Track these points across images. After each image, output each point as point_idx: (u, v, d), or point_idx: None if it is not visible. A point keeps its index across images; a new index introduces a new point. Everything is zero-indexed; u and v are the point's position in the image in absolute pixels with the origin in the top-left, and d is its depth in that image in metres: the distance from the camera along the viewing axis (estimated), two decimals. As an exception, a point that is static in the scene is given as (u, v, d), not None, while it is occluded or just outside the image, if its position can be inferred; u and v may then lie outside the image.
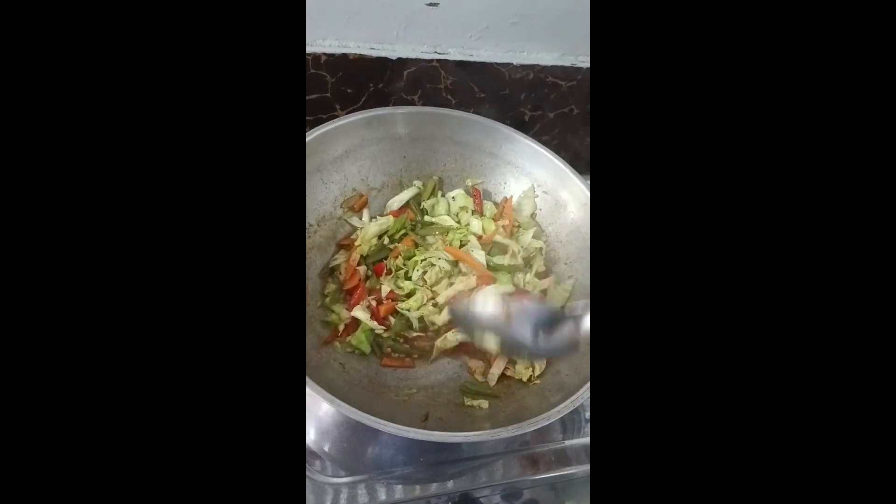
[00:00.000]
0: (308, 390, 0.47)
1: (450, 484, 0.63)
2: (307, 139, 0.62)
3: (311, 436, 0.62)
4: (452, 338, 0.58)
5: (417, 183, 0.71)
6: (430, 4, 0.70)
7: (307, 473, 0.58)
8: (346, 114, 0.72)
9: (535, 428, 0.49)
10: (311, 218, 0.65)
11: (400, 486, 0.62)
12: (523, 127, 0.86)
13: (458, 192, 0.71)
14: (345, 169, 0.67)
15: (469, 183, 0.73)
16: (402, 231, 0.68)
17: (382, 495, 0.61)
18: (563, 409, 0.50)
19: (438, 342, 0.58)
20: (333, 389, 0.48)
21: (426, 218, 0.70)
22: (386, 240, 0.67)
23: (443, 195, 0.71)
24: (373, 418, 0.47)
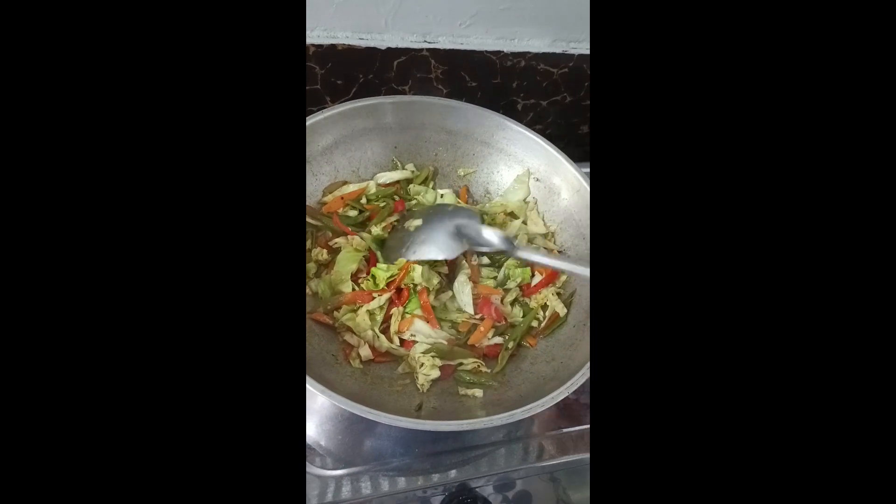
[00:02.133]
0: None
1: (452, 474, 0.62)
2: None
3: (307, 430, 0.61)
4: (430, 364, 0.58)
5: (410, 166, 0.71)
6: (418, -8, 0.69)
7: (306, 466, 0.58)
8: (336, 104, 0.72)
9: (529, 415, 0.48)
10: (301, 210, 0.65)
11: (403, 479, 0.61)
12: (516, 116, 0.85)
13: (447, 192, 0.70)
14: (335, 160, 0.67)
15: (461, 172, 0.72)
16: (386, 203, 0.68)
17: (385, 486, 0.61)
18: (557, 395, 0.49)
19: (421, 372, 0.57)
20: (326, 382, 0.48)
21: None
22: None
23: (434, 188, 0.71)
24: (365, 408, 0.46)
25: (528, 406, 0.49)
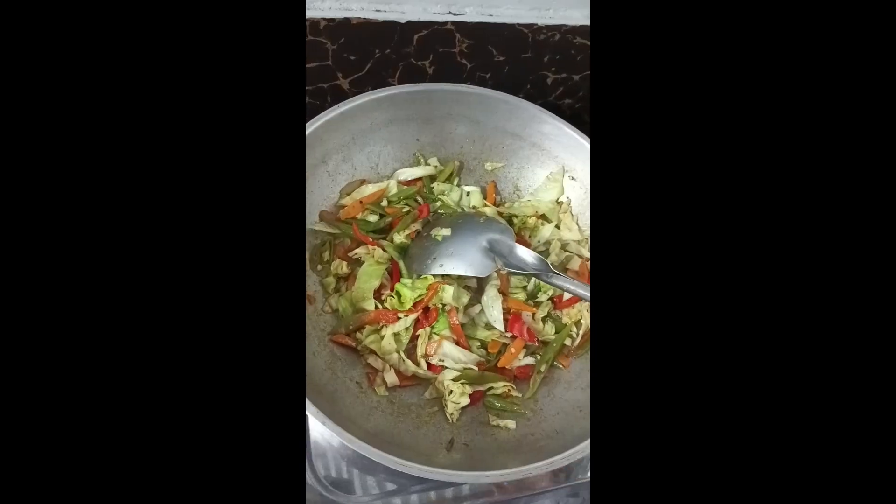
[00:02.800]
0: (324, 427, 0.44)
1: (465, 489, 0.61)
2: (309, 130, 0.55)
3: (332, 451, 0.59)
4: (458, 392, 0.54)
5: (433, 161, 0.65)
6: (444, -42, 0.60)
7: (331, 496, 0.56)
8: (350, 88, 0.65)
9: (567, 462, 0.46)
10: (315, 216, 0.59)
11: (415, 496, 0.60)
12: (546, 90, 0.78)
13: (473, 189, 0.65)
14: (352, 157, 0.61)
15: (489, 167, 0.66)
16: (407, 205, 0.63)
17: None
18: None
19: (450, 400, 0.54)
20: (351, 417, 0.45)
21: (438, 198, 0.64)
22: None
23: (458, 184, 0.65)
24: (396, 460, 0.44)
25: (566, 454, 0.46)
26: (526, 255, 0.56)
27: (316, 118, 0.56)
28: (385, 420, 0.52)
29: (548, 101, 0.81)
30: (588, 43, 0.73)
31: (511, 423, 0.54)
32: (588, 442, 0.47)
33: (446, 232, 0.58)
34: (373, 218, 0.60)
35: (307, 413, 0.43)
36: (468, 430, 0.53)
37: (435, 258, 0.56)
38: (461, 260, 0.56)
